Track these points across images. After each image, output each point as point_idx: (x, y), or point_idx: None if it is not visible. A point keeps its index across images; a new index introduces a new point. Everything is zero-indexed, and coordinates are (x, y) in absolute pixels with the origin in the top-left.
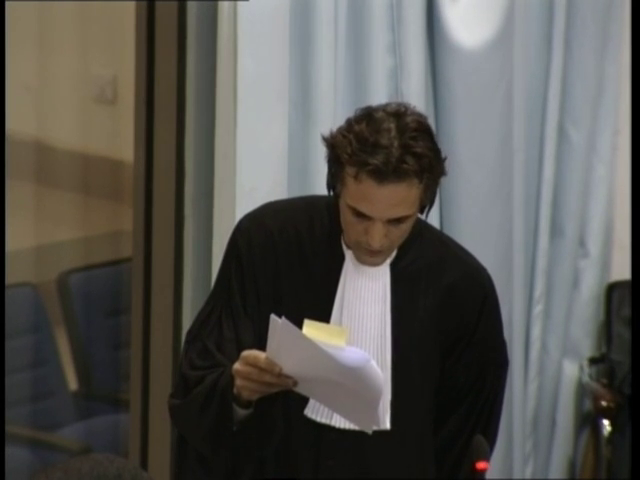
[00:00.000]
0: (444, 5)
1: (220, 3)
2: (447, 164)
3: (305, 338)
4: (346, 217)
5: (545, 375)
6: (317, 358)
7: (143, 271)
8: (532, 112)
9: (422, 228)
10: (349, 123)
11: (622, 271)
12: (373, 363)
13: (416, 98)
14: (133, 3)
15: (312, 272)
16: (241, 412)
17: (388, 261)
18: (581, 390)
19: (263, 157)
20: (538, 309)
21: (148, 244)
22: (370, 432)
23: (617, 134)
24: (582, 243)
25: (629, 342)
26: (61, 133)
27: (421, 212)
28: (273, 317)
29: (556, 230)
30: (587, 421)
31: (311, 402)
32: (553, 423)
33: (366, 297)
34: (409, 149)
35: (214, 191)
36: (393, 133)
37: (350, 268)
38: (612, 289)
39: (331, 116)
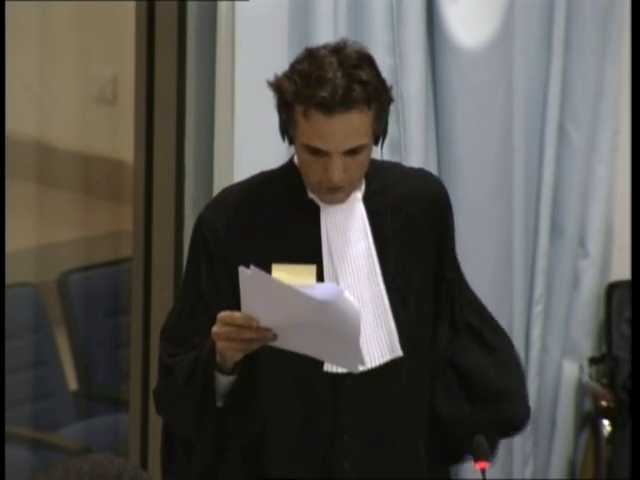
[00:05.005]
0: (444, 5)
1: (219, 3)
2: (447, 164)
3: (276, 282)
4: (304, 159)
5: (545, 375)
6: (291, 299)
7: (143, 271)
8: (532, 112)
9: (378, 164)
10: (291, 65)
11: (622, 271)
12: (347, 294)
13: (416, 98)
14: (133, 3)
15: (291, 233)
16: (225, 381)
17: (359, 195)
18: (581, 390)
19: (262, 157)
20: (538, 309)
21: (148, 244)
22: (357, 372)
23: (617, 134)
24: (582, 243)
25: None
26: (61, 133)
27: (376, 143)
28: (242, 269)
29: (556, 230)
30: (587, 421)
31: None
32: (553, 423)
33: (350, 238)
34: (354, 78)
35: (214, 191)
36: (335, 66)
37: (328, 216)
38: (612, 289)
39: None
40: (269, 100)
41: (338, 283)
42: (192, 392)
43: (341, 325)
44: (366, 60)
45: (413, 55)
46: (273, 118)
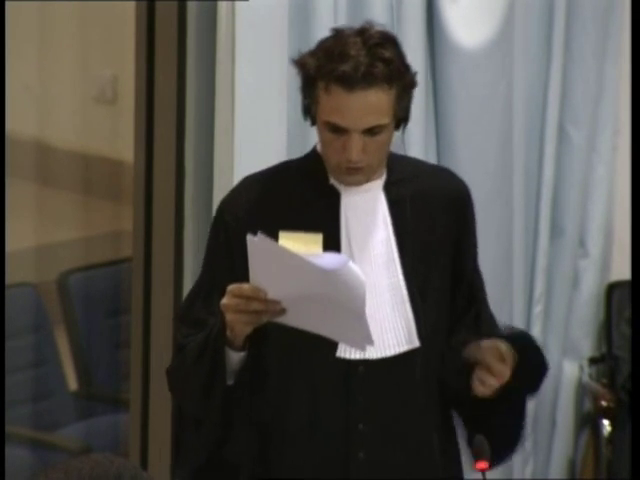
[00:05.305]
0: (444, 5)
1: (219, 3)
2: (447, 164)
3: (282, 249)
4: (324, 138)
5: None
6: (296, 267)
7: (143, 271)
8: (532, 112)
9: (399, 156)
10: (317, 44)
11: (622, 271)
12: (352, 264)
13: (416, 98)
14: (133, 3)
15: (310, 218)
16: (235, 357)
17: (380, 183)
18: (581, 390)
19: (262, 157)
20: (538, 309)
21: (148, 244)
22: (364, 350)
23: (617, 134)
24: (582, 243)
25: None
26: (61, 133)
27: (397, 128)
28: (249, 237)
29: (556, 230)
30: (587, 421)
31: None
32: (553, 423)
33: (369, 225)
34: (377, 55)
35: (214, 191)
36: (359, 45)
37: (347, 202)
38: (612, 289)
39: None
40: (269, 100)
41: None
42: (202, 366)
43: (346, 296)
44: (390, 40)
45: (413, 55)
46: (273, 118)
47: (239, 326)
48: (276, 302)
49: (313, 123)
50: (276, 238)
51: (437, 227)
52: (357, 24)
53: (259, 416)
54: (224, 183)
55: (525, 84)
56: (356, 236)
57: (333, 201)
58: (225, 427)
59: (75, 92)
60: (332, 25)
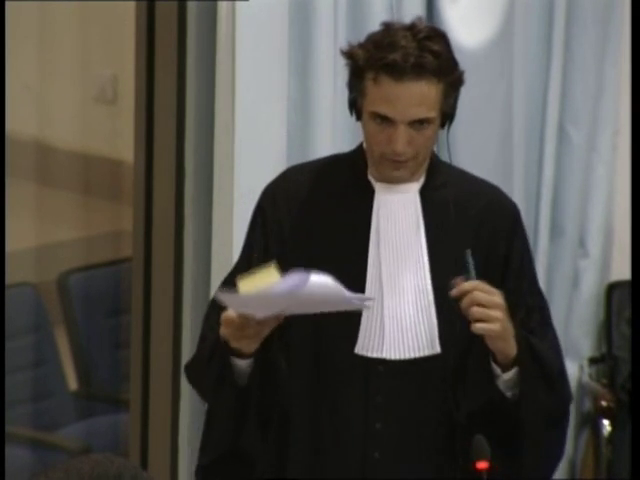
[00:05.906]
0: (444, 5)
1: (219, 3)
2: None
3: (246, 296)
4: (369, 129)
5: None
6: (268, 300)
7: (143, 271)
8: (532, 112)
9: (442, 162)
10: (366, 36)
11: (622, 271)
12: (313, 277)
13: None
14: (133, 3)
15: (344, 213)
16: (243, 363)
17: (417, 187)
18: (581, 390)
19: (262, 157)
20: None
21: (148, 244)
22: (368, 308)
23: (617, 134)
24: (582, 243)
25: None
26: (61, 133)
27: (442, 126)
28: (219, 294)
29: (556, 230)
30: (587, 421)
31: (360, 339)
32: None
33: (401, 226)
34: (426, 48)
35: (214, 191)
36: (409, 37)
37: (381, 200)
38: (612, 289)
39: (330, 117)
40: (269, 100)
41: (381, 269)
42: (212, 369)
43: (325, 297)
44: (439, 35)
45: None
46: (273, 118)
47: (243, 347)
48: (269, 318)
49: (358, 118)
50: (309, 227)
51: (475, 239)
52: (357, 24)
53: (276, 412)
54: (224, 183)
55: (525, 84)
56: (386, 234)
57: (367, 197)
58: (238, 421)
59: (75, 92)
60: (332, 25)
